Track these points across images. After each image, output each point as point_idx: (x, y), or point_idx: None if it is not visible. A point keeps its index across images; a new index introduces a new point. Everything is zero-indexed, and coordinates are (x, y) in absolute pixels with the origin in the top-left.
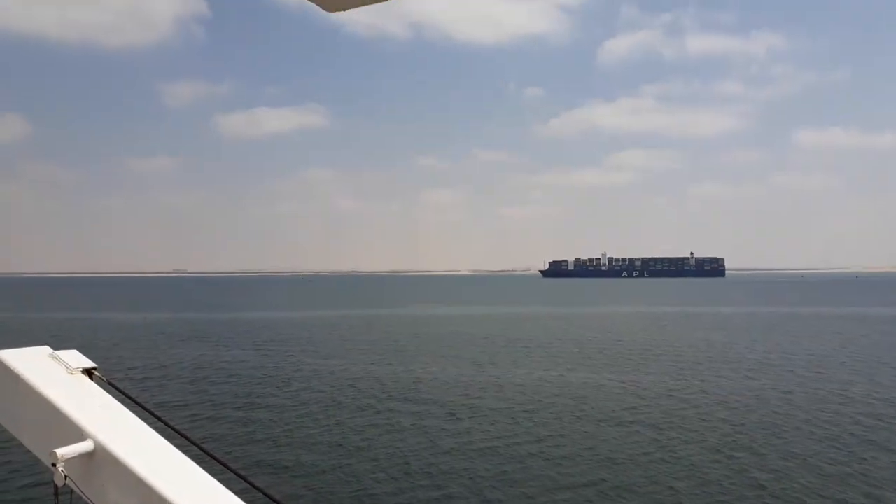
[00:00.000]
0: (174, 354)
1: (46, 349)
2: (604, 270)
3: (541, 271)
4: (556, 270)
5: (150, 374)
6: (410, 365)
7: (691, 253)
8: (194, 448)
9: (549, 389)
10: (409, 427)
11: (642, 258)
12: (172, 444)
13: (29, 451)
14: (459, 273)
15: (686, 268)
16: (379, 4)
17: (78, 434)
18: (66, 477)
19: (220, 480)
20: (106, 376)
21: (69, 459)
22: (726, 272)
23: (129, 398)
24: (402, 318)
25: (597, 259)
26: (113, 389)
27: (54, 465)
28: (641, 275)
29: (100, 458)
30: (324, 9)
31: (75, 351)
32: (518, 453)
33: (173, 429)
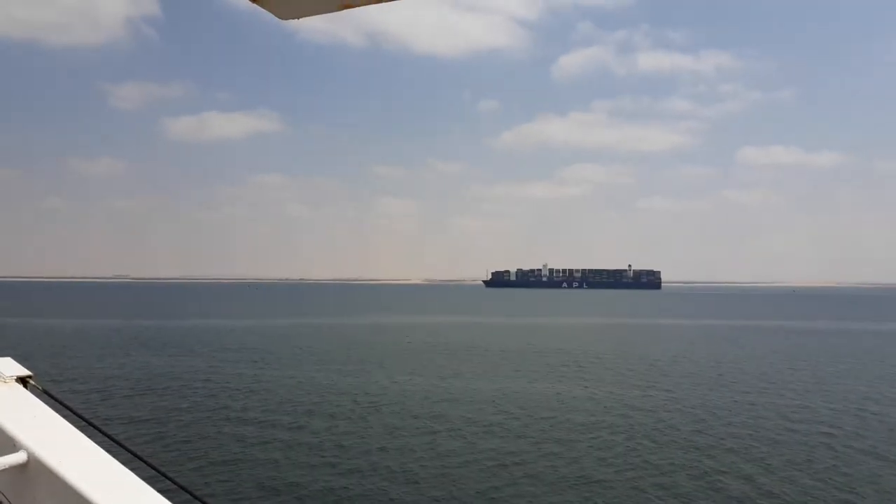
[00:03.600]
0: (115, 362)
1: None
2: (544, 281)
3: (483, 281)
4: (499, 281)
5: (89, 382)
6: (362, 374)
7: (629, 265)
8: (133, 458)
9: (490, 398)
10: (351, 433)
11: (582, 269)
12: (110, 453)
13: None
14: (411, 282)
15: (623, 279)
16: (334, 14)
17: (10, 445)
18: None
19: (160, 490)
20: (42, 385)
21: (0, 472)
22: (662, 284)
23: (66, 407)
24: (352, 327)
25: (538, 270)
26: (49, 398)
27: None
28: (581, 286)
29: (33, 470)
30: (277, 16)
31: (9, 358)
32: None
33: (111, 438)
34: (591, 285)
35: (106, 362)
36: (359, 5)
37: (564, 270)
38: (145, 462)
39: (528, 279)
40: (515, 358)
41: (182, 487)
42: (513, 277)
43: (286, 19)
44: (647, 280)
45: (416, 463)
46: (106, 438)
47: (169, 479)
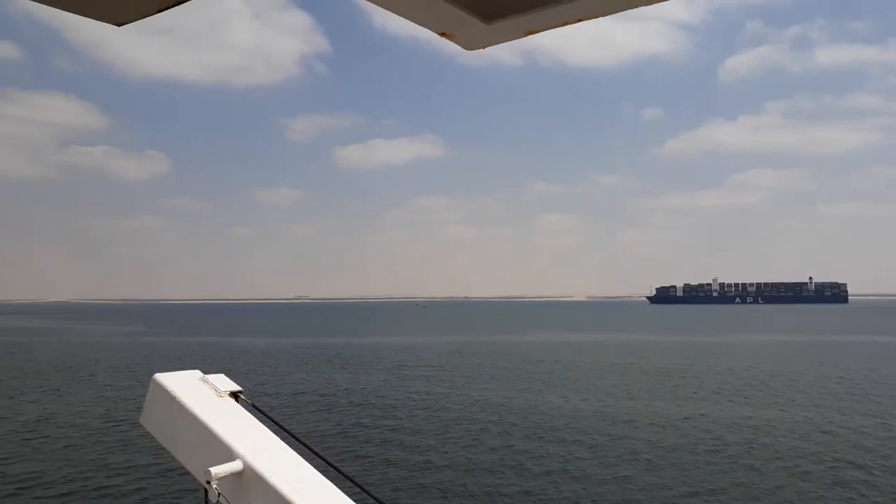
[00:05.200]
0: (309, 378)
1: (197, 373)
2: (714, 297)
3: (647, 297)
4: (664, 297)
5: (289, 397)
6: (533, 392)
7: (810, 278)
8: (333, 470)
9: (674, 423)
10: (555, 456)
11: (757, 283)
12: (312, 465)
13: (182, 468)
14: (574, 299)
15: (804, 293)
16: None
17: (228, 454)
18: (219, 494)
19: (358, 502)
20: (250, 399)
21: (222, 478)
22: (849, 298)
23: (272, 420)
24: (518, 345)
25: (707, 285)
26: (257, 412)
27: (209, 482)
28: (755, 301)
29: (248, 478)
30: (464, 48)
31: (222, 375)
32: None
33: (313, 451)
34: (768, 300)
35: (295, 378)
36: (541, 30)
37: (737, 285)
38: (344, 475)
39: (696, 295)
40: (693, 378)
41: (379, 501)
42: (679, 293)
43: (472, 50)
44: (832, 293)
45: (600, 486)
46: (308, 451)
47: (369, 493)
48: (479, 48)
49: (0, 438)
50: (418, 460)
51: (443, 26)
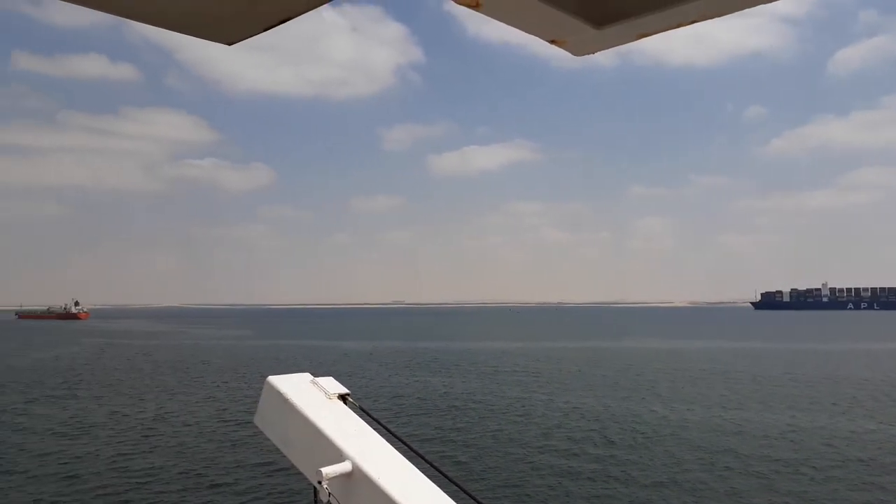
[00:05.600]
0: (408, 382)
1: (307, 375)
2: (824, 302)
3: (752, 303)
4: (770, 302)
5: (389, 400)
6: (635, 400)
7: None
8: (438, 474)
9: (788, 435)
10: (661, 467)
11: (872, 288)
12: (418, 468)
13: (293, 467)
14: (674, 305)
15: None
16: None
17: (337, 455)
18: (329, 494)
19: None
20: (357, 402)
21: (332, 478)
22: None
23: (379, 423)
24: (617, 351)
25: (816, 290)
26: (364, 414)
27: (320, 482)
28: (870, 307)
29: (357, 479)
30: (574, 54)
31: (331, 378)
32: None
33: (419, 454)
34: (885, 306)
35: (394, 381)
36: (654, 33)
37: (849, 289)
38: (451, 480)
39: (804, 300)
40: (806, 388)
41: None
42: (786, 298)
43: (581, 55)
44: None
45: (712, 500)
46: (412, 453)
47: (471, 496)
48: (588, 53)
49: (122, 435)
50: (520, 466)
51: (553, 34)
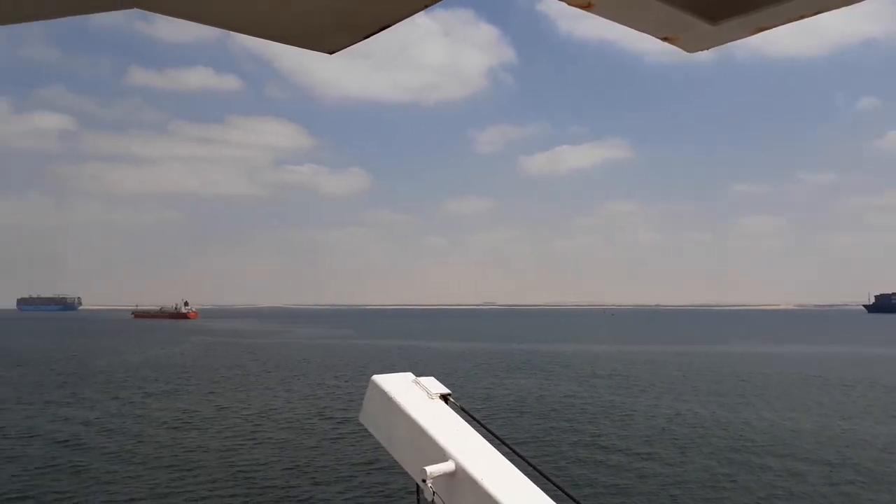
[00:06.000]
0: (503, 383)
1: (410, 375)
2: None
3: (864, 305)
4: (886, 305)
5: (485, 401)
6: (742, 408)
7: None
8: (539, 476)
9: None
10: (775, 477)
11: None
12: (520, 469)
13: (397, 465)
14: (780, 307)
15: None
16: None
17: (441, 454)
18: (434, 493)
19: None
20: (458, 402)
21: (436, 477)
22: None
23: (480, 424)
24: (720, 356)
25: None
26: (465, 415)
27: (424, 481)
28: None
29: (460, 479)
30: (686, 50)
31: (433, 378)
32: None
33: (520, 456)
34: None
35: (488, 382)
36: (774, 26)
37: None
38: (553, 483)
39: None
40: None
41: None
42: None
43: (694, 52)
44: None
45: None
46: (514, 454)
47: (574, 499)
48: (702, 49)
49: (229, 430)
50: (623, 473)
51: (666, 31)
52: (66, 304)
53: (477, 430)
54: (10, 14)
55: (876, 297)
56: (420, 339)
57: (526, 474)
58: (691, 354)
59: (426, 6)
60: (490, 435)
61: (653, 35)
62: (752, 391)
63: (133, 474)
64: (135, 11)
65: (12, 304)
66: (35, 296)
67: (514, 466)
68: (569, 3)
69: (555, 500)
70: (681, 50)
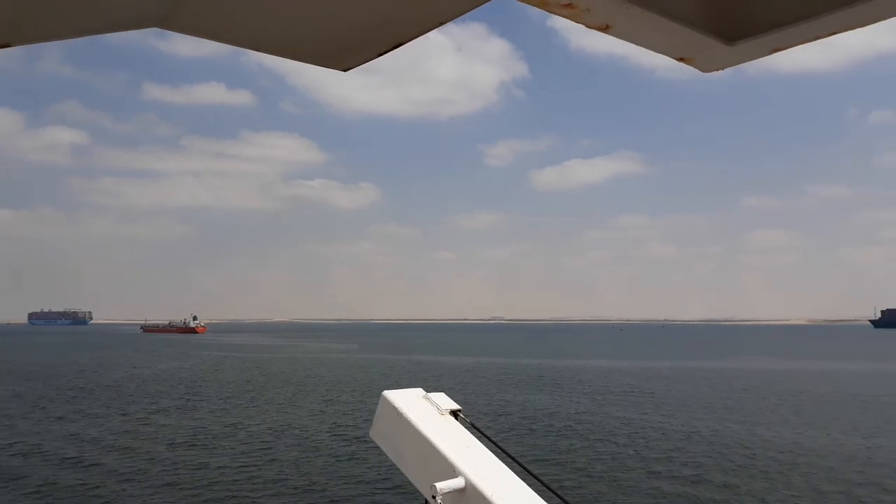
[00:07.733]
0: (513, 399)
1: (420, 391)
2: None
3: (871, 321)
4: (892, 320)
5: (495, 416)
6: (758, 425)
7: None
8: (553, 496)
9: None
10: (795, 497)
11: None
12: (531, 487)
13: (407, 480)
14: (791, 322)
15: None
16: None
17: (450, 470)
18: None
19: None
20: (468, 418)
21: (446, 493)
22: None
23: (490, 440)
24: (734, 372)
25: None
26: (476, 431)
27: (433, 497)
28: None
29: (470, 495)
30: (701, 70)
31: (443, 394)
32: None
33: (530, 473)
34: None
35: (498, 397)
36: (790, 47)
37: None
38: (561, 498)
39: None
40: None
41: None
42: None
43: (710, 72)
44: None
45: None
46: (524, 471)
47: None
48: (717, 70)
49: (239, 446)
50: (637, 492)
51: (682, 52)
52: (76, 319)
53: (487, 447)
54: (33, 34)
55: (882, 312)
56: (428, 354)
57: (536, 492)
58: (703, 370)
59: (441, 23)
60: (500, 451)
61: (669, 56)
62: (768, 408)
63: (141, 492)
64: (150, 28)
65: (23, 318)
66: (46, 310)
67: (524, 483)
68: (587, 26)
69: None
70: (696, 70)
